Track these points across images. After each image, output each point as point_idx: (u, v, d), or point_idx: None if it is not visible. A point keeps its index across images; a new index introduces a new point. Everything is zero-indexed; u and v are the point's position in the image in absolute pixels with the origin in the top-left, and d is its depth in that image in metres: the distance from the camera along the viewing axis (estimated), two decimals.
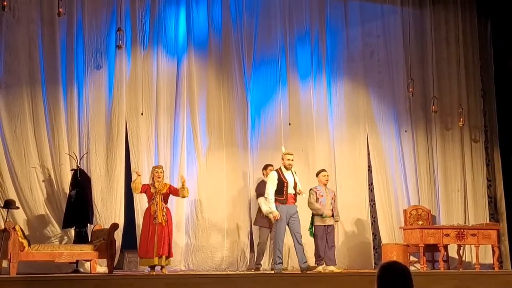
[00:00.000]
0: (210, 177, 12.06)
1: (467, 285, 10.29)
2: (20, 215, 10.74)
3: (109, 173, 11.46)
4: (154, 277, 9.55)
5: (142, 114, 11.69)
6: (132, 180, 10.59)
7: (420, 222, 12.29)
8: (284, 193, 10.46)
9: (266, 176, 11.19)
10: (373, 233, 12.96)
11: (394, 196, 13.14)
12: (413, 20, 13.71)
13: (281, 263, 10.52)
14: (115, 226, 10.33)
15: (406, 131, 13.41)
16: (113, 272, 10.10)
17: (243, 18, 12.67)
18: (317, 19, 13.20)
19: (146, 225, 10.15)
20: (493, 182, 13.89)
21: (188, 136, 12.04)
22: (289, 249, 11.65)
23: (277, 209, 10.43)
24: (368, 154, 13.20)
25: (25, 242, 9.71)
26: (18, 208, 10.42)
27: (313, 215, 11.03)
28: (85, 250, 10.04)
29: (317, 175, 11.31)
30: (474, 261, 12.23)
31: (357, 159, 13.08)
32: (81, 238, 10.55)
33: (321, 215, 10.92)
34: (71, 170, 10.91)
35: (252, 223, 11.91)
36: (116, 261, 10.73)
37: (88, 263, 10.70)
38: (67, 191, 10.83)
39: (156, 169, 10.45)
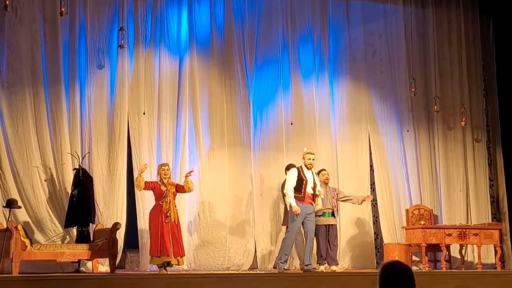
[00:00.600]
0: (213, 176, 12.06)
1: (469, 285, 10.28)
2: (22, 215, 10.74)
3: (111, 172, 11.46)
4: (156, 277, 9.55)
5: (144, 113, 11.70)
6: (135, 177, 10.50)
7: (422, 222, 12.28)
8: (303, 191, 10.46)
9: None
10: (375, 233, 12.96)
11: (396, 196, 13.13)
12: (415, 19, 13.70)
13: (286, 262, 10.51)
14: (117, 226, 10.33)
15: (408, 131, 13.41)
16: (115, 272, 10.10)
17: (245, 17, 12.67)
18: (319, 19, 13.19)
19: (157, 224, 9.98)
20: (495, 181, 13.88)
21: (190, 135, 12.04)
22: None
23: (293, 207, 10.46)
24: (370, 153, 13.20)
25: (27, 241, 9.72)
26: (20, 207, 10.43)
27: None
28: (87, 250, 10.04)
29: (317, 174, 11.31)
30: (476, 260, 12.24)
31: (359, 158, 13.08)
32: (83, 238, 10.55)
33: (320, 215, 10.93)
34: (73, 169, 10.92)
35: (281, 224, 11.87)
36: (118, 261, 10.73)
37: (90, 262, 10.71)
38: (69, 191, 10.83)
39: (162, 167, 10.36)
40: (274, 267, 11.19)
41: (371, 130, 13.26)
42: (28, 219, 10.83)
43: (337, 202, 11.25)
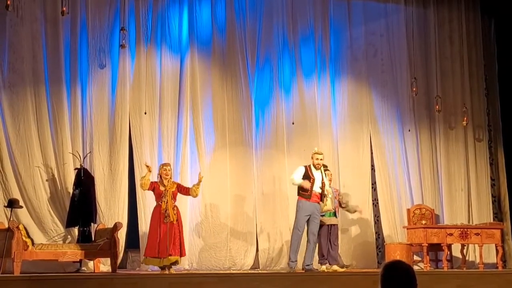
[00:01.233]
0: (214, 176, 12.06)
1: (471, 285, 10.27)
2: (23, 214, 10.74)
3: (112, 172, 11.46)
4: (157, 276, 9.55)
5: (145, 113, 11.70)
6: (141, 176, 10.46)
7: (423, 222, 12.28)
8: (309, 189, 10.46)
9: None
10: (376, 233, 12.95)
11: (397, 196, 13.13)
12: (417, 19, 13.70)
13: (295, 261, 10.50)
14: (118, 226, 10.32)
15: (409, 130, 13.41)
16: (117, 271, 10.10)
17: (246, 17, 12.67)
18: (320, 18, 13.19)
19: (156, 224, 9.97)
20: (496, 181, 13.88)
21: (192, 135, 12.05)
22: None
23: (300, 205, 10.50)
24: (371, 153, 13.20)
25: (28, 241, 9.71)
26: (21, 207, 10.43)
27: None
28: (89, 249, 10.04)
29: None
30: (477, 260, 12.23)
31: (361, 158, 13.08)
32: (84, 237, 10.56)
33: (323, 215, 10.93)
34: (75, 169, 10.93)
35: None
36: (119, 260, 10.73)
37: (92, 262, 10.71)
38: (71, 190, 10.85)
39: (164, 167, 10.32)
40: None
41: (373, 129, 13.26)
42: (30, 219, 10.83)
43: (338, 202, 11.25)
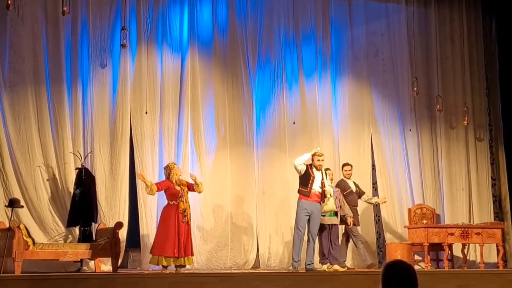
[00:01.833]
0: (215, 175, 12.07)
1: (472, 284, 10.27)
2: (24, 214, 10.73)
3: (113, 172, 11.46)
4: (158, 276, 9.55)
5: (146, 113, 11.70)
6: (145, 186, 10.25)
7: (424, 221, 12.29)
8: (309, 186, 10.48)
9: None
10: (377, 232, 12.95)
11: (398, 195, 13.14)
12: (418, 18, 13.70)
13: (298, 261, 10.50)
14: (119, 225, 10.33)
15: (410, 130, 13.42)
16: (118, 271, 10.10)
17: (247, 17, 12.67)
18: (321, 18, 13.20)
19: (174, 223, 9.93)
20: (497, 181, 13.88)
21: (193, 134, 12.04)
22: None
23: (300, 204, 10.52)
24: (372, 153, 13.20)
25: (29, 241, 9.71)
26: (22, 207, 10.42)
27: None
28: (90, 249, 10.03)
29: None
30: (478, 260, 12.24)
31: (361, 158, 13.09)
32: (85, 237, 10.56)
33: (323, 215, 10.94)
34: (76, 169, 10.93)
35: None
36: (120, 260, 10.73)
37: (93, 262, 10.70)
38: (72, 190, 10.85)
39: (174, 166, 10.34)
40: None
41: (373, 129, 13.26)
42: (31, 219, 10.82)
43: (339, 202, 11.25)
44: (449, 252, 11.87)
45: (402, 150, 13.36)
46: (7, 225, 9.79)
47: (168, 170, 10.31)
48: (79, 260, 10.31)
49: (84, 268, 10.66)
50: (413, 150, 13.44)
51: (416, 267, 11.41)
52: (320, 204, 10.59)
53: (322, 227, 10.95)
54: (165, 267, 9.99)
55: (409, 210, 12.79)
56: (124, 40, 10.94)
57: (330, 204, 10.71)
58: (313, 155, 10.65)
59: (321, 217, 10.88)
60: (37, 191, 10.95)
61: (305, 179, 10.58)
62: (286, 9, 12.92)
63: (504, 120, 13.98)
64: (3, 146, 10.86)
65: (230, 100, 12.41)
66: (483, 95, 14.07)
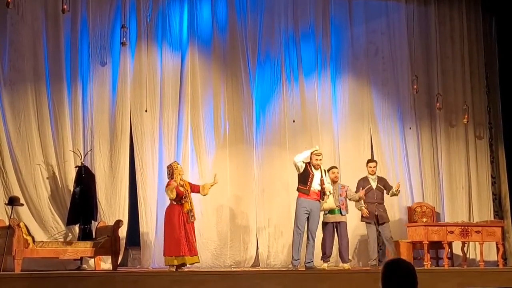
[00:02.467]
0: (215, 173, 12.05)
1: (472, 282, 10.27)
2: (24, 212, 10.73)
3: (113, 170, 11.46)
4: (158, 274, 9.56)
5: (146, 111, 11.69)
6: (170, 188, 10.15)
7: (424, 219, 12.28)
8: (308, 185, 10.51)
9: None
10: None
11: None
12: (418, 17, 13.70)
13: (298, 259, 10.50)
14: (119, 223, 10.33)
15: (410, 128, 13.41)
16: (117, 269, 10.11)
17: (247, 15, 12.67)
18: (321, 17, 13.19)
19: (179, 224, 9.93)
20: (497, 179, 13.88)
21: (193, 133, 12.04)
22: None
23: (299, 202, 10.55)
24: (372, 151, 13.20)
25: (29, 239, 9.71)
26: (22, 205, 10.43)
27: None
28: (89, 247, 10.05)
29: (328, 171, 11.37)
30: (478, 258, 12.24)
31: (361, 156, 13.05)
32: (85, 235, 10.57)
33: (326, 213, 10.95)
34: (76, 167, 10.93)
35: (360, 220, 11.89)
36: (120, 258, 10.73)
37: (93, 260, 10.70)
38: (71, 188, 10.85)
39: (177, 165, 10.32)
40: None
41: (373, 127, 13.26)
42: (31, 217, 10.82)
43: (345, 200, 11.22)
44: (449, 250, 11.87)
45: (402, 148, 13.35)
46: (7, 223, 9.79)
47: (171, 169, 10.30)
48: (79, 258, 10.32)
49: (84, 266, 10.67)
50: (413, 149, 13.44)
51: (416, 265, 11.40)
52: (320, 202, 10.61)
53: (327, 225, 10.97)
54: (178, 266, 9.94)
55: (409, 208, 12.79)
56: (124, 38, 10.93)
57: (330, 202, 10.72)
58: (311, 153, 10.65)
59: (327, 215, 10.90)
60: (37, 189, 10.95)
61: (304, 177, 10.59)
62: (286, 7, 12.91)
63: (504, 118, 13.97)
64: (3, 144, 10.86)
65: (230, 98, 12.41)
66: (483, 94, 14.07)
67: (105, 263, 10.83)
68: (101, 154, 11.43)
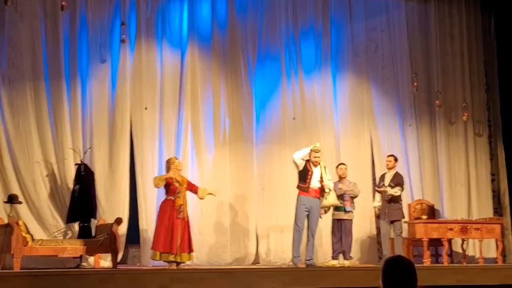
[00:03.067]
0: (215, 171, 12.06)
1: (471, 279, 10.29)
2: (23, 210, 10.73)
3: (112, 167, 11.45)
4: (158, 272, 9.54)
5: (146, 108, 11.69)
6: (157, 176, 10.33)
7: (424, 217, 12.27)
8: (308, 182, 10.50)
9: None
10: (377, 228, 12.94)
11: None
12: (417, 14, 13.74)
13: (298, 257, 10.50)
14: (118, 221, 10.32)
15: (410, 126, 13.43)
16: (117, 267, 10.10)
17: (247, 12, 12.66)
18: (321, 14, 13.19)
19: (169, 219, 9.89)
20: (496, 176, 13.89)
21: (192, 130, 12.03)
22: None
23: (298, 200, 10.53)
24: (372, 148, 13.20)
25: (28, 237, 9.70)
26: (21, 203, 10.43)
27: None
28: (89, 245, 10.03)
29: (336, 167, 11.40)
30: (477, 255, 12.25)
31: (361, 153, 13.08)
32: (84, 233, 10.54)
33: (326, 210, 10.95)
34: (75, 165, 10.91)
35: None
36: (120, 256, 10.73)
37: (92, 258, 10.70)
38: (71, 186, 10.83)
39: (175, 160, 10.29)
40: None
41: (373, 124, 13.27)
42: (30, 215, 10.82)
43: (350, 197, 11.19)
44: (449, 247, 11.87)
45: (401, 145, 13.36)
46: (6, 221, 9.78)
47: (168, 164, 10.30)
48: (78, 256, 10.30)
49: (83, 264, 10.66)
50: (413, 146, 13.45)
51: (415, 262, 11.39)
52: (319, 199, 10.60)
53: (332, 223, 11.02)
54: (169, 262, 9.95)
55: (409, 205, 12.78)
56: (124, 36, 10.94)
57: (331, 199, 10.68)
58: (311, 150, 10.65)
59: (334, 212, 10.92)
60: (36, 187, 10.94)
61: (304, 174, 10.59)
62: (286, 4, 12.91)
63: (503, 115, 13.98)
64: (2, 142, 10.86)
65: (230, 96, 12.40)
66: (482, 91, 14.08)
67: (105, 261, 10.82)
68: (101, 152, 11.42)
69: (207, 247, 11.83)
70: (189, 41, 12.18)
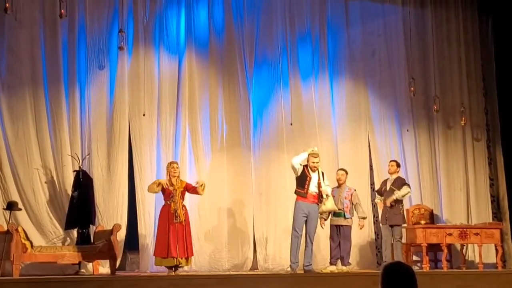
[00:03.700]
0: (212, 177, 12.04)
1: (470, 285, 10.29)
2: (22, 217, 10.72)
3: (111, 173, 11.45)
4: (157, 278, 9.54)
5: (144, 114, 11.68)
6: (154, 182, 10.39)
7: (422, 222, 12.27)
8: (306, 187, 10.50)
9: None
10: (375, 233, 12.94)
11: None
12: (414, 19, 13.71)
13: (296, 263, 10.49)
14: (117, 227, 10.32)
15: (408, 130, 13.43)
16: (116, 273, 10.09)
17: (244, 17, 12.67)
18: (318, 19, 13.20)
19: (165, 224, 9.95)
20: (495, 181, 13.89)
21: (191, 136, 12.04)
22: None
23: (297, 206, 10.53)
24: (370, 153, 13.20)
25: (27, 243, 9.71)
26: (20, 209, 10.42)
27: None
28: (88, 251, 10.04)
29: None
30: (477, 260, 12.23)
31: (359, 158, 13.08)
32: (83, 239, 10.54)
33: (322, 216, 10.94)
34: (74, 171, 10.91)
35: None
36: (118, 262, 10.72)
37: (91, 264, 10.70)
38: (70, 193, 10.83)
39: (172, 165, 10.31)
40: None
41: (371, 130, 13.27)
42: (29, 221, 10.81)
43: (349, 203, 11.17)
44: (448, 252, 11.87)
45: (399, 150, 13.36)
46: (5, 228, 9.78)
47: (166, 168, 10.33)
48: (77, 262, 10.31)
49: (82, 270, 10.66)
50: (411, 151, 13.45)
51: (414, 267, 11.40)
52: (318, 205, 10.60)
53: (331, 228, 11.00)
54: (170, 268, 9.95)
55: (407, 210, 12.76)
56: (122, 43, 10.93)
57: (329, 204, 10.66)
58: (309, 155, 10.65)
59: (333, 218, 10.92)
60: (35, 194, 10.94)
61: (302, 180, 10.58)
62: (283, 10, 12.91)
63: (501, 120, 13.98)
64: (1, 148, 10.87)
65: (227, 101, 12.41)
66: (480, 95, 14.09)
67: (104, 267, 10.83)
68: (99, 158, 11.42)
69: (205, 253, 11.82)
70: (187, 47, 12.19)
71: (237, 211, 12.21)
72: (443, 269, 11.53)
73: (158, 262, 10.10)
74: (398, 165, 11.80)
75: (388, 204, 11.37)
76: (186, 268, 11.10)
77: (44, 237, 10.88)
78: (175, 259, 9.86)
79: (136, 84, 11.81)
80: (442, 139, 13.62)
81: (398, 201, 11.40)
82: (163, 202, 10.29)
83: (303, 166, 10.63)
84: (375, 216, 13.00)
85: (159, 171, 11.54)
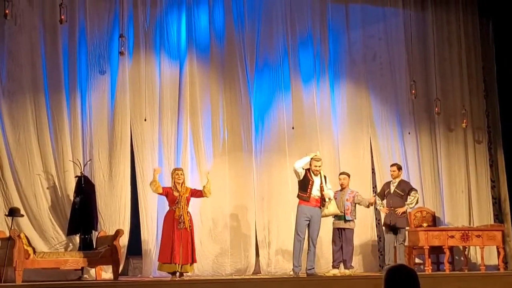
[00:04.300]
0: (214, 181, 11.97)
1: (473, 286, 10.29)
2: (24, 223, 10.72)
3: (113, 179, 11.45)
4: (159, 283, 9.55)
5: (145, 120, 11.68)
6: (150, 180, 10.41)
7: (424, 224, 12.27)
8: (308, 191, 10.52)
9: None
10: (378, 236, 12.94)
11: None
12: (415, 22, 13.72)
13: (298, 266, 10.48)
14: (119, 233, 10.32)
15: (409, 133, 13.43)
16: (118, 279, 10.09)
17: (244, 22, 12.67)
18: (318, 23, 13.20)
19: (169, 230, 9.98)
20: (497, 183, 13.89)
21: (192, 141, 12.04)
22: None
23: (299, 209, 10.54)
24: (372, 156, 13.20)
25: (30, 249, 9.70)
26: (22, 216, 10.41)
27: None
28: (90, 257, 10.03)
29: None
30: (479, 262, 12.22)
31: (361, 161, 13.08)
32: (86, 245, 10.55)
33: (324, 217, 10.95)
34: (75, 177, 10.91)
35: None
36: (121, 267, 10.72)
37: (93, 269, 10.69)
38: (72, 198, 10.84)
39: (176, 171, 10.34)
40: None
41: (372, 133, 13.27)
42: (31, 228, 10.81)
43: (351, 205, 11.16)
44: (450, 254, 11.86)
45: (401, 153, 13.36)
46: (8, 234, 9.78)
47: (171, 175, 10.35)
48: (80, 268, 10.30)
49: (85, 276, 10.65)
50: (412, 153, 13.45)
51: (417, 270, 11.38)
52: (320, 208, 10.60)
53: (333, 231, 11.01)
54: (173, 273, 9.96)
55: (409, 213, 12.75)
56: (122, 48, 10.93)
57: (332, 208, 10.68)
58: (311, 159, 10.66)
59: (335, 221, 10.96)
60: (37, 200, 10.94)
61: (304, 184, 10.59)
62: (284, 14, 12.92)
63: (503, 122, 13.99)
64: (3, 155, 10.86)
65: (229, 105, 12.41)
66: (481, 98, 14.10)
67: (106, 273, 10.82)
68: (101, 163, 11.42)
69: (208, 257, 11.82)
70: (188, 51, 12.20)
71: (239, 215, 12.21)
72: (445, 271, 11.54)
73: (161, 267, 10.11)
74: (400, 168, 11.79)
75: (400, 214, 11.35)
76: (189, 273, 11.11)
77: (47, 243, 10.88)
78: (178, 265, 9.86)
79: (137, 89, 11.81)
80: (443, 142, 13.63)
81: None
82: (166, 207, 10.30)
83: (305, 170, 10.64)
84: (377, 219, 13.00)
85: (161, 176, 11.53)
